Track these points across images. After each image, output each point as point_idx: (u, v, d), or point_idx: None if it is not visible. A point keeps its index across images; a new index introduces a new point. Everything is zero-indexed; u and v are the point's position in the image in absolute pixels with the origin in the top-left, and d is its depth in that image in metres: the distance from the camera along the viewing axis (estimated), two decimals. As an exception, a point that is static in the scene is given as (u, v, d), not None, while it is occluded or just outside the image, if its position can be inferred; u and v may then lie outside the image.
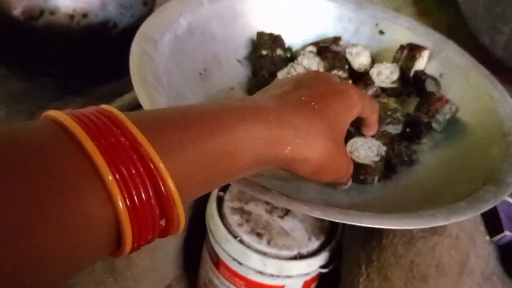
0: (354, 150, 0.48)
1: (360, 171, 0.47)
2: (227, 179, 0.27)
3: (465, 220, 0.47)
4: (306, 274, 0.51)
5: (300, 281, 0.52)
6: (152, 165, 0.20)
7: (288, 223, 0.54)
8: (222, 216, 0.53)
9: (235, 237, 0.51)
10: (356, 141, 0.49)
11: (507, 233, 0.51)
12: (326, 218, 0.38)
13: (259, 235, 0.51)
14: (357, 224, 0.37)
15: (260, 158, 0.28)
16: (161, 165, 0.20)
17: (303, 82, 0.35)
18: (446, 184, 0.48)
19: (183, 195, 0.21)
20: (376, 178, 0.49)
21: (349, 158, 0.37)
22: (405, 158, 0.51)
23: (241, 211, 0.54)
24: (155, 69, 0.47)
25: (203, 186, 0.25)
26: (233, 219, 0.53)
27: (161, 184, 0.20)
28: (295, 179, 0.50)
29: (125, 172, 0.18)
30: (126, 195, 0.18)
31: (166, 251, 0.65)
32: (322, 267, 0.51)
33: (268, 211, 0.54)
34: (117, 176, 0.18)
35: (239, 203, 0.55)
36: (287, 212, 0.55)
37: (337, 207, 0.39)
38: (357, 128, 0.49)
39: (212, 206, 0.54)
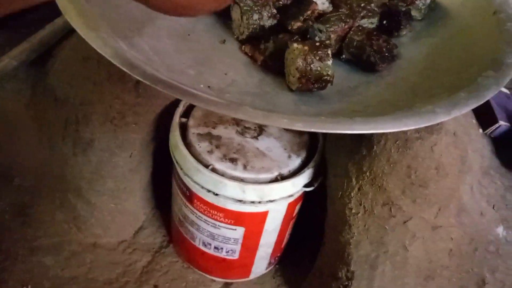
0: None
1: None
2: None
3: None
4: (290, 196, 0.46)
5: (284, 204, 0.47)
6: None
7: (263, 143, 0.48)
8: (188, 145, 0.47)
9: (206, 166, 0.45)
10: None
11: (501, 122, 0.47)
12: (312, 130, 0.32)
13: (233, 160, 0.45)
14: (348, 132, 0.32)
15: None
16: None
17: None
18: (435, 76, 0.42)
19: None
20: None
21: None
22: (386, 54, 0.45)
23: (209, 137, 0.47)
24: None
25: None
26: (202, 146, 0.46)
27: None
28: (267, 92, 0.43)
29: None
30: None
31: (131, 191, 0.58)
32: (306, 185, 0.46)
33: (239, 133, 0.48)
34: None
35: (205, 128, 0.48)
36: (261, 131, 0.49)
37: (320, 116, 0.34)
38: None
39: (175, 135, 0.47)
